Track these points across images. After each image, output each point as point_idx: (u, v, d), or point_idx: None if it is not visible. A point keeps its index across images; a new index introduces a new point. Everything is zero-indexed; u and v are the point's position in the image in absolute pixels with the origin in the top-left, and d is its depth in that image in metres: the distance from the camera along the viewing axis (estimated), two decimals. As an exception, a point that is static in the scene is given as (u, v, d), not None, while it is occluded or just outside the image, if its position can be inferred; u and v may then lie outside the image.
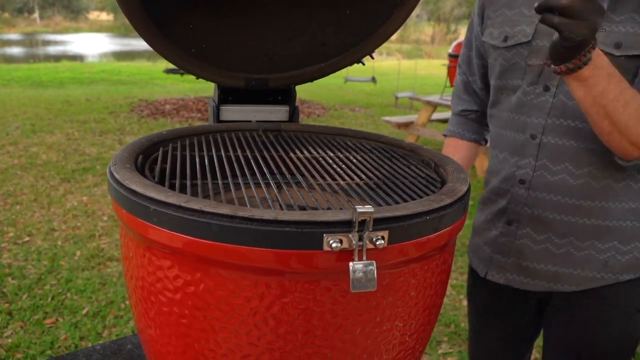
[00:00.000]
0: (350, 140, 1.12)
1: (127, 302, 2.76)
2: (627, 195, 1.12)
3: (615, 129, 0.98)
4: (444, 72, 8.31)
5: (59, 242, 3.46)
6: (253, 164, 0.90)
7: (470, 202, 0.81)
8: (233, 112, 1.17)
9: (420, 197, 0.78)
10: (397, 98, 9.40)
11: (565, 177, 1.12)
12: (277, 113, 1.19)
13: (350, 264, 0.61)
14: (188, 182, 0.77)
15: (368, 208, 0.60)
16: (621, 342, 1.20)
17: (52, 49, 21.69)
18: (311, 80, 1.19)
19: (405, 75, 13.06)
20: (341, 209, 0.72)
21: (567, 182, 1.12)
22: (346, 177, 0.88)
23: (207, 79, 1.10)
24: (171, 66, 4.98)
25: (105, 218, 3.87)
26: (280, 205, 0.74)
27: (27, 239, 3.50)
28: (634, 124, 0.97)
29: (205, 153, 0.94)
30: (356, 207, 0.60)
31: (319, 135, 1.14)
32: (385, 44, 1.15)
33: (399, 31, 1.15)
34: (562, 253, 1.16)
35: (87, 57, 19.33)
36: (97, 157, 5.35)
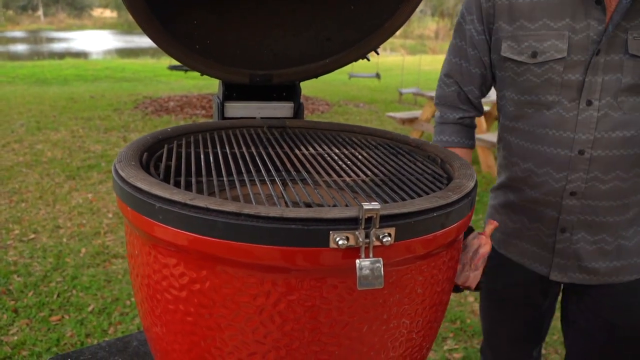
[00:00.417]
0: (356, 137, 1.11)
1: (133, 299, 2.77)
2: None
3: None
4: (448, 67, 8.25)
5: (64, 240, 3.47)
6: (258, 160, 0.90)
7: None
8: (238, 109, 1.16)
9: (427, 193, 0.78)
10: (401, 94, 9.38)
11: (617, 183, 1.15)
12: (281, 109, 1.19)
13: (357, 261, 0.60)
14: (193, 180, 0.77)
15: (375, 205, 0.59)
16: None
17: (56, 46, 21.72)
18: (315, 77, 1.18)
19: (409, 70, 13.01)
20: (347, 205, 0.71)
21: (618, 187, 1.15)
22: (352, 174, 0.88)
23: (212, 75, 1.10)
24: (175, 63, 4.98)
25: (110, 215, 3.88)
26: (286, 203, 0.73)
27: (32, 236, 3.51)
28: None
29: (210, 150, 0.93)
30: (363, 204, 0.59)
31: (324, 132, 1.13)
32: (389, 40, 1.14)
33: (402, 26, 1.14)
34: (615, 248, 1.20)
35: (91, 54, 19.35)
36: (102, 154, 5.36)
